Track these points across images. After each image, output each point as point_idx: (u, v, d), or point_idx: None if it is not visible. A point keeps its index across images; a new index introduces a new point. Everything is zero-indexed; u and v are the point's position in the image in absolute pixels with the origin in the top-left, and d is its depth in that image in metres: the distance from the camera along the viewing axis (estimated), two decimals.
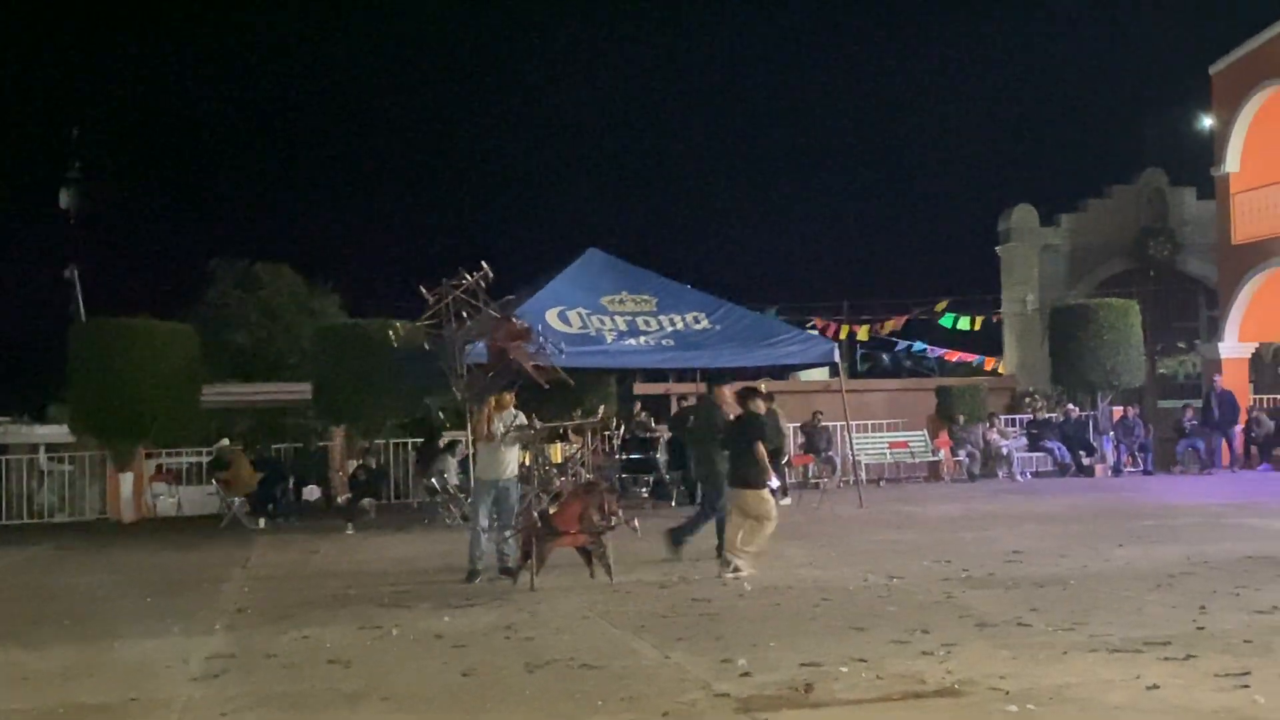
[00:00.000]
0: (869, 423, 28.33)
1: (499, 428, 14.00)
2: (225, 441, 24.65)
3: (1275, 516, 17.73)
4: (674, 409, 26.44)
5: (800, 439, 27.13)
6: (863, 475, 25.74)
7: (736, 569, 13.31)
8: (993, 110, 77.54)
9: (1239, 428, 28.85)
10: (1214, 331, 31.21)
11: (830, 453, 27.06)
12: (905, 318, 42.08)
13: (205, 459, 26.16)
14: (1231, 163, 30.18)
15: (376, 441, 25.61)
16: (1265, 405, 29.65)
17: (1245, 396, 30.07)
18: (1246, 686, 7.74)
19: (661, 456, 23.08)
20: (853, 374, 39.62)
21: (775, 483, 14.38)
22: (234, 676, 9.16)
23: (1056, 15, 77.65)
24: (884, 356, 48.27)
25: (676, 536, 14.85)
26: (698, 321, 21.98)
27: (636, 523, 14.65)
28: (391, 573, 14.75)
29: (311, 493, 25.87)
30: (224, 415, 31.10)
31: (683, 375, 27.26)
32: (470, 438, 15.20)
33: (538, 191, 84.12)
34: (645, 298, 22.05)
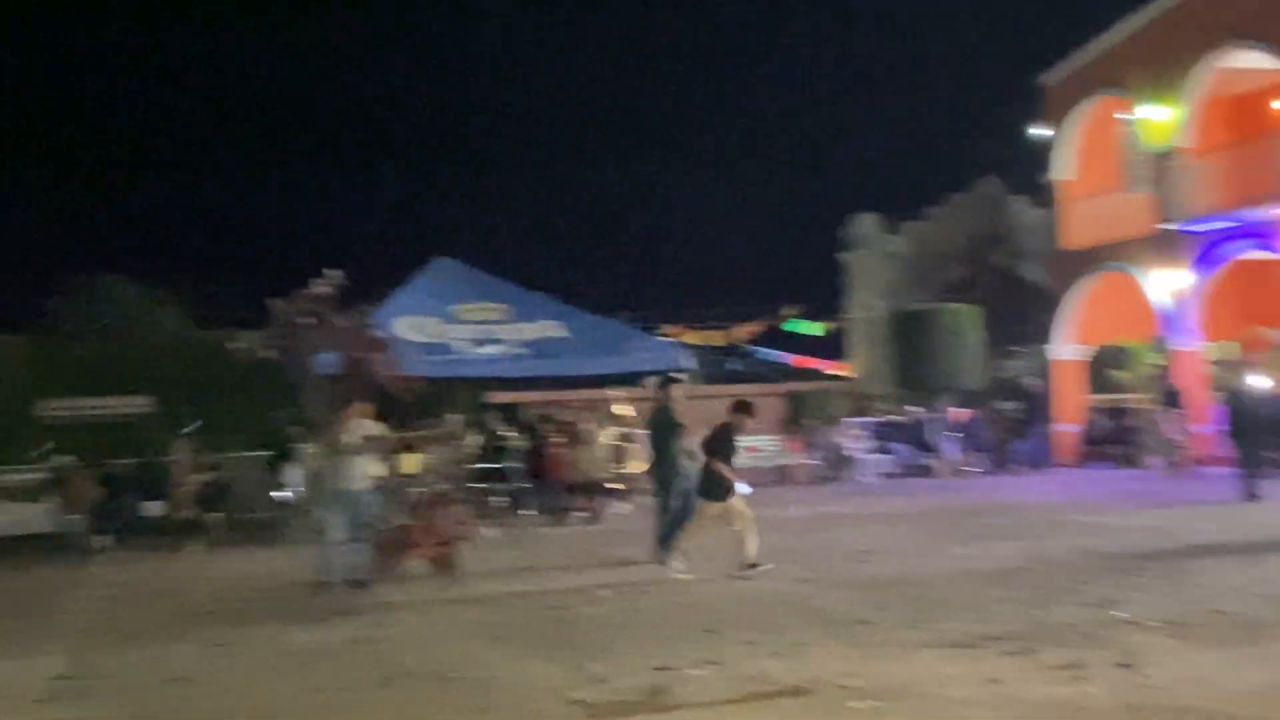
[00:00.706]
0: None
1: (351, 438, 13.83)
2: (63, 458, 23.84)
3: (1108, 513, 18.37)
4: (530, 415, 26.35)
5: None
6: None
7: (678, 568, 13.44)
8: (837, 121, 79.07)
9: (1067, 426, 29.85)
10: (1049, 335, 32.20)
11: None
12: (756, 324, 42.65)
13: (42, 476, 25.29)
14: (1063, 171, 31.21)
15: (224, 455, 25.02)
16: (1099, 405, 30.68)
17: (1078, 398, 31.08)
18: (1082, 679, 8.01)
19: (516, 465, 22.99)
20: (705, 380, 39.99)
21: (746, 489, 14.35)
22: (77, 699, 8.88)
23: (895, 28, 79.58)
24: (735, 362, 48.79)
25: (663, 543, 14.79)
26: (552, 330, 21.99)
27: (490, 532, 14.61)
28: (239, 588, 14.45)
29: (155, 509, 25.14)
30: (64, 431, 30.11)
31: (537, 383, 27.22)
32: (318, 449, 14.98)
33: (388, 198, 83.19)
34: (498, 306, 21.98)
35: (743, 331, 42.59)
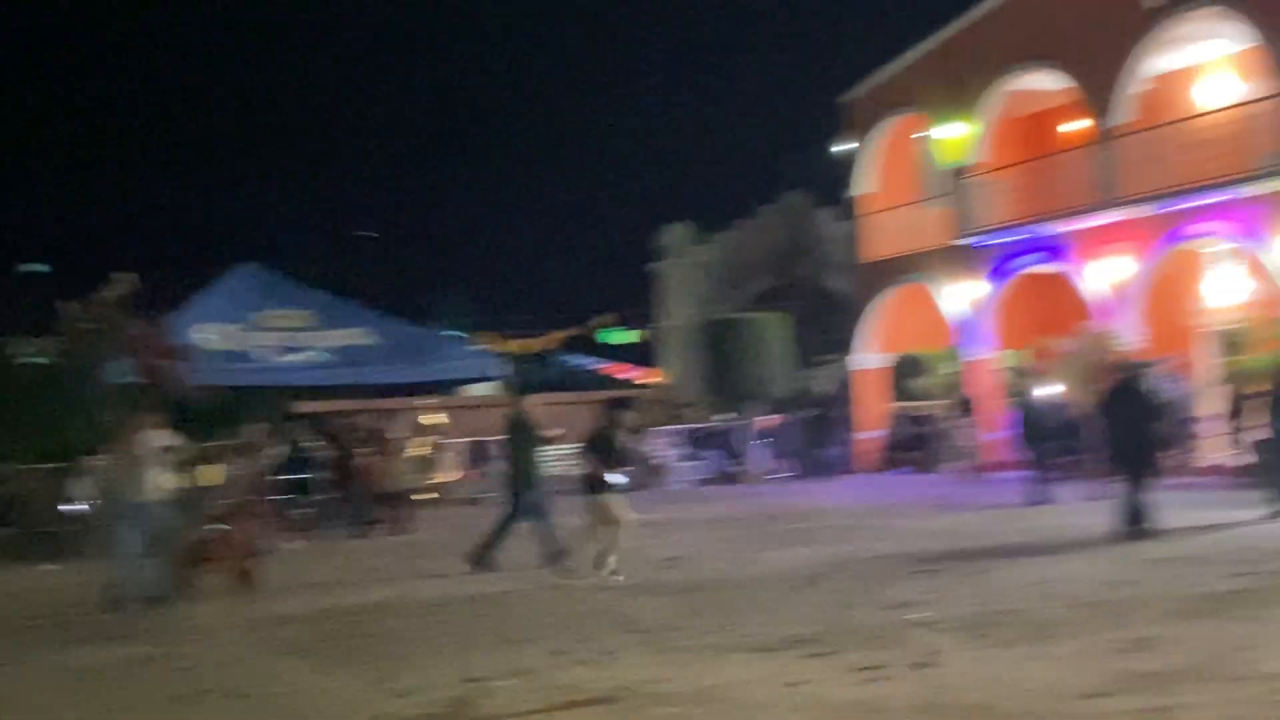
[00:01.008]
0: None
1: (144, 448, 13.30)
2: None
3: (910, 517, 18.88)
4: (337, 424, 25.81)
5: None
6: None
7: (614, 571, 13.29)
8: (650, 131, 79.77)
9: (869, 433, 30.65)
10: (852, 344, 32.99)
11: (495, 467, 27.03)
12: (567, 332, 42.69)
13: None
14: (864, 185, 32.05)
15: (10, 466, 23.85)
16: (899, 412, 31.54)
17: (880, 405, 31.90)
18: (881, 679, 8.17)
19: (322, 476, 22.49)
20: (515, 389, 39.84)
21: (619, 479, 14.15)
22: None
23: (709, 43, 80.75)
24: (546, 371, 48.71)
25: (480, 557, 14.72)
26: (360, 337, 21.60)
27: (294, 545, 14.25)
28: (26, 605, 13.78)
29: None
30: None
31: (349, 391, 26.66)
32: (110, 460, 14.36)
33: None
34: (304, 313, 21.50)
35: (554, 339, 42.59)
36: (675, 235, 40.27)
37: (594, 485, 13.74)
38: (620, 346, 43.47)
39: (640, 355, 42.88)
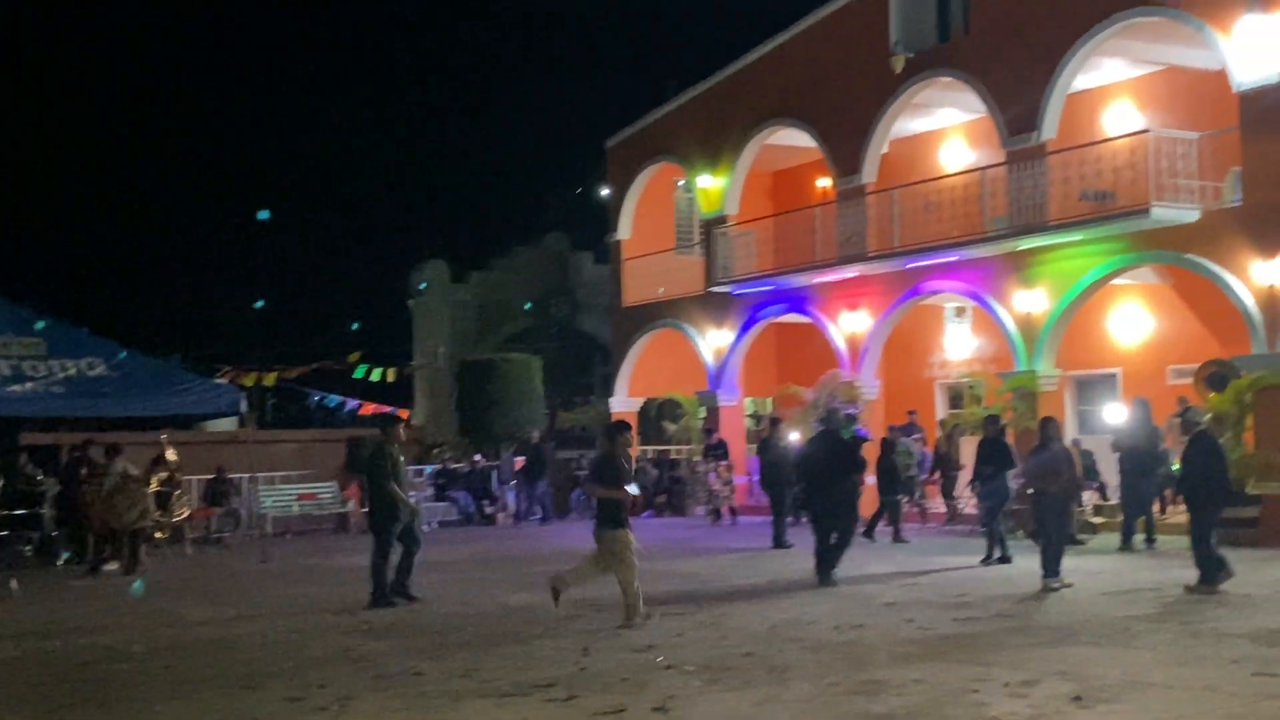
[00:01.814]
0: (277, 474, 27.78)
1: None
2: None
3: (654, 560, 19.05)
4: (65, 458, 24.61)
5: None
6: (269, 528, 25.22)
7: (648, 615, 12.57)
8: (406, 166, 79.00)
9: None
10: (607, 387, 33.36)
11: (235, 505, 26.25)
12: (317, 367, 41.71)
13: None
14: (623, 231, 32.55)
15: None
16: (650, 456, 31.99)
17: (633, 448, 32.28)
18: None
19: (48, 511, 21.39)
20: (262, 424, 38.71)
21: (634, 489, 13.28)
22: None
23: (471, 81, 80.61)
24: (295, 406, 47.48)
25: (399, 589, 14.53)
26: (93, 368, 20.67)
27: (14, 583, 13.49)
28: None
29: None
30: None
31: (80, 424, 25.44)
32: None
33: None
34: (31, 341, 20.44)
35: (303, 374, 41.56)
36: (431, 272, 39.98)
37: (614, 517, 12.76)
38: (372, 383, 42.71)
39: (393, 393, 42.23)
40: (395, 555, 14.76)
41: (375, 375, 41.40)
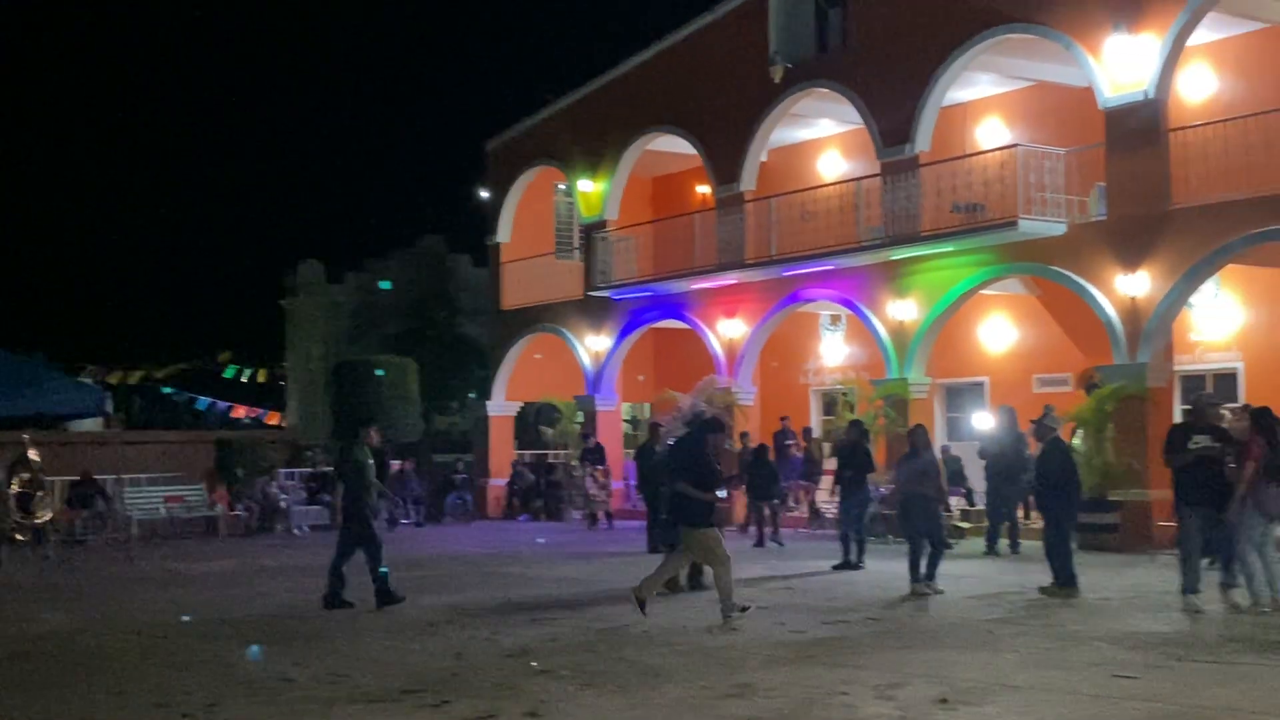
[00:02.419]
0: (144, 476, 27.16)
1: None
2: None
3: (530, 565, 19.08)
4: None
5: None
6: (135, 531, 24.66)
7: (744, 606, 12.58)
8: (281, 167, 77.82)
9: (496, 480, 30.91)
10: (485, 390, 33.19)
11: (100, 508, 25.59)
12: (186, 368, 40.93)
13: None
14: (503, 234, 32.42)
15: None
16: (527, 460, 31.92)
17: (510, 451, 32.25)
18: None
19: None
20: (129, 425, 37.84)
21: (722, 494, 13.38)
22: None
23: (349, 80, 79.69)
24: (163, 407, 46.57)
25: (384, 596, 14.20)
26: None
27: None
28: None
29: None
30: None
31: None
32: None
33: None
34: None
35: (172, 374, 40.75)
36: (306, 273, 39.43)
37: (702, 515, 12.83)
38: (245, 384, 42.04)
39: (265, 394, 41.61)
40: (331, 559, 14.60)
41: (246, 375, 40.85)
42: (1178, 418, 20.36)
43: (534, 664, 10.35)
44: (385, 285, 30.16)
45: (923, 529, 14.79)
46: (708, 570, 14.11)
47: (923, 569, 14.65)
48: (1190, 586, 12.75)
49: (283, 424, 38.85)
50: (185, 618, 13.72)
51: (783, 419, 26.28)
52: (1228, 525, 12.62)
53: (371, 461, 14.80)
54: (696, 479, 12.80)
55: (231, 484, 27.84)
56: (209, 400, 42.58)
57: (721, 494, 13.35)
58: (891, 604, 13.85)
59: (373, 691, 9.40)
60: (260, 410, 39.65)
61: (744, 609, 12.58)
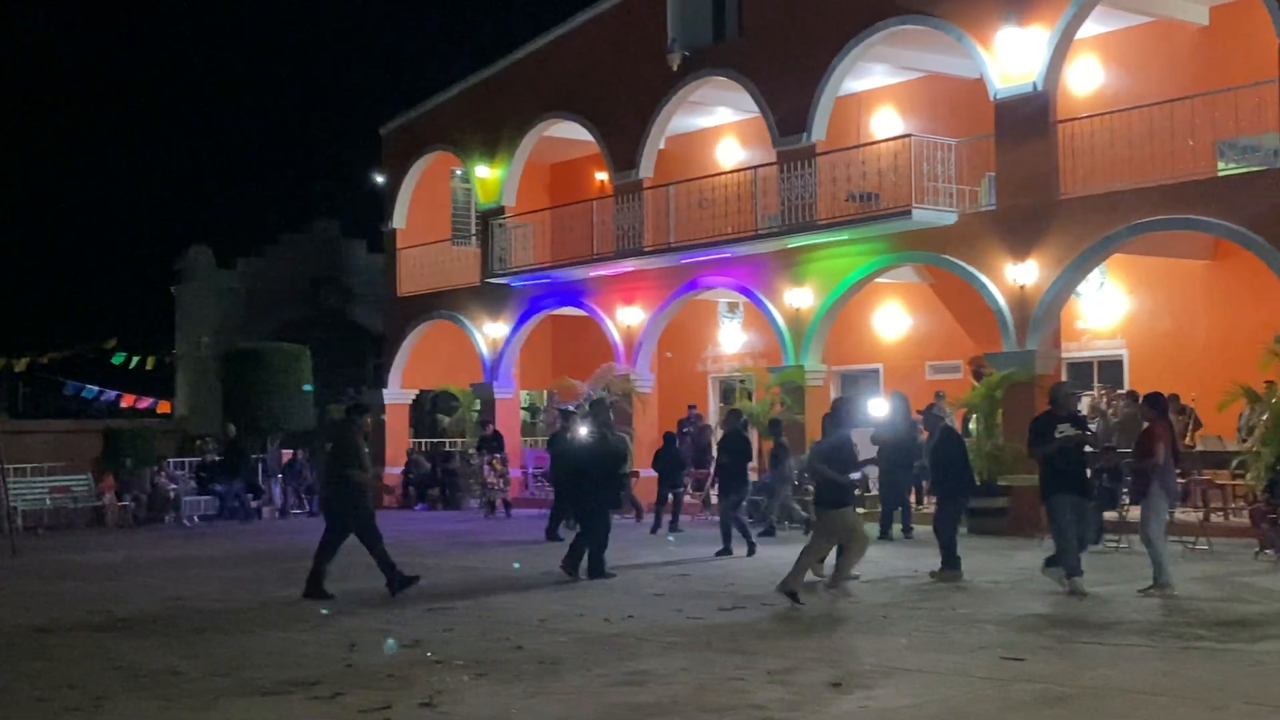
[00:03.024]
0: (29, 466, 26.50)
1: None
2: None
3: (425, 555, 18.92)
4: None
5: None
6: (19, 522, 24.07)
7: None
8: (170, 149, 76.17)
9: (392, 468, 30.67)
10: (380, 378, 32.88)
11: None
12: (72, 354, 39.92)
13: None
14: (398, 219, 32.10)
15: None
16: (423, 448, 31.69)
17: (406, 440, 32.00)
18: None
19: None
20: (13, 413, 36.87)
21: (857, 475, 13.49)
22: None
23: (238, 63, 78.20)
24: (47, 395, 45.39)
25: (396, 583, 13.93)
26: None
27: None
28: None
29: None
30: None
31: None
32: None
33: None
34: None
35: (55, 360, 39.71)
36: (195, 258, 38.68)
37: (837, 498, 12.81)
38: (134, 372, 41.11)
39: (153, 382, 40.74)
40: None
41: (134, 363, 39.96)
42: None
43: (429, 654, 10.28)
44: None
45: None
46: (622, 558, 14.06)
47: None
48: (1073, 569, 13.01)
49: (172, 412, 38.06)
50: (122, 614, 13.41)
51: (690, 407, 26.43)
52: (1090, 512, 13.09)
53: (365, 448, 14.56)
54: (837, 464, 12.87)
55: (119, 474, 27.25)
56: (96, 388, 41.59)
57: (856, 476, 13.76)
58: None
59: (264, 684, 9.28)
60: (151, 399, 38.80)
61: (848, 594, 12.67)
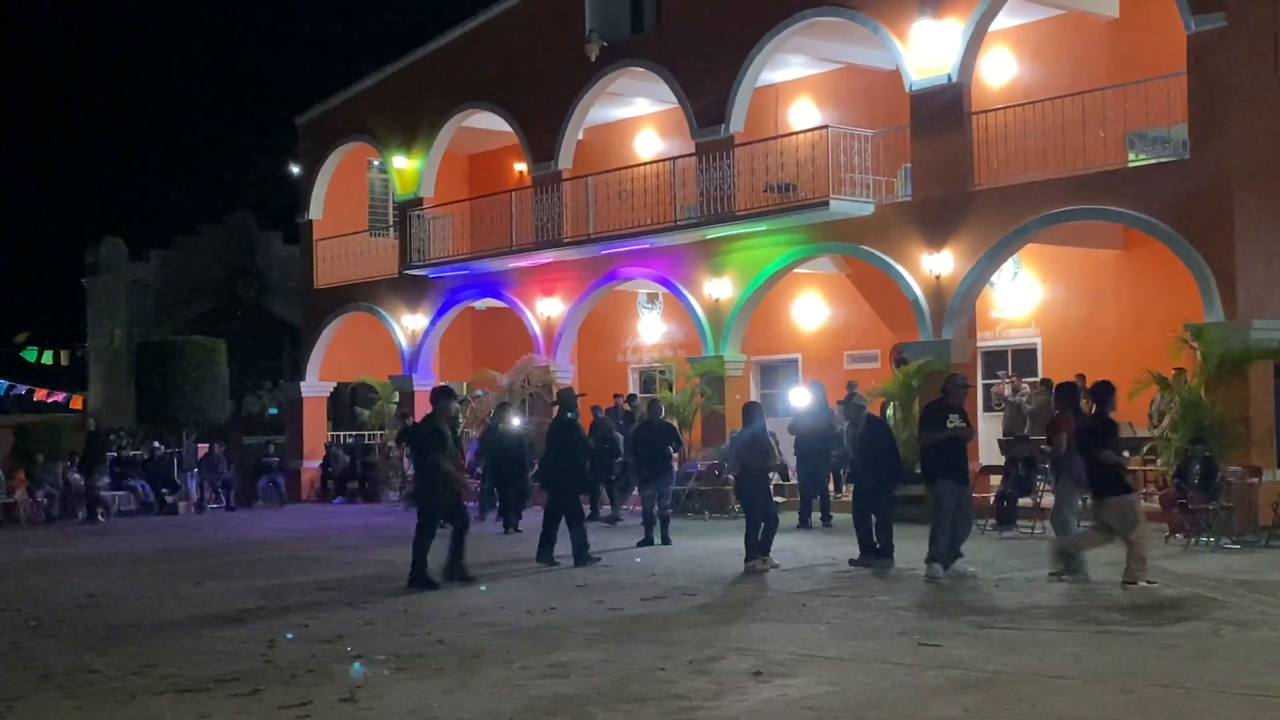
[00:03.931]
0: None
1: None
2: None
3: (344, 549, 18.80)
4: None
5: None
6: None
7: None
8: (81, 139, 74.71)
9: (310, 462, 30.40)
10: (297, 371, 32.54)
11: None
12: None
13: None
14: (314, 211, 31.74)
15: None
16: (342, 441, 31.41)
17: (324, 433, 31.70)
18: (306, 717, 8.07)
19: None
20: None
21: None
22: None
23: (149, 51, 76.87)
24: None
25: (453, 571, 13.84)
26: None
27: None
28: None
29: None
30: None
31: None
32: None
33: None
34: None
35: None
36: (107, 250, 38.01)
37: (1120, 482, 12.58)
38: (45, 366, 40.39)
39: (66, 376, 40.04)
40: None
41: (46, 358, 39.23)
42: (980, 393, 21.17)
43: (349, 649, 10.21)
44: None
45: (757, 503, 14.71)
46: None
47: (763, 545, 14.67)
48: (936, 555, 13.26)
49: (85, 407, 37.44)
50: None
51: (616, 396, 26.45)
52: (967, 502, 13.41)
53: (450, 434, 14.32)
54: (1109, 445, 12.84)
55: (30, 470, 26.75)
56: (6, 383, 40.80)
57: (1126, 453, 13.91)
58: (709, 580, 14.02)
59: (181, 681, 9.16)
60: (64, 394, 38.14)
61: (1151, 582, 12.45)
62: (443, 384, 18.21)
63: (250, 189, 41.30)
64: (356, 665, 9.37)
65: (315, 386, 31.65)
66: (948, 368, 20.23)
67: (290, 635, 10.76)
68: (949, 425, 13.39)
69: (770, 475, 15.86)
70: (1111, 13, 21.65)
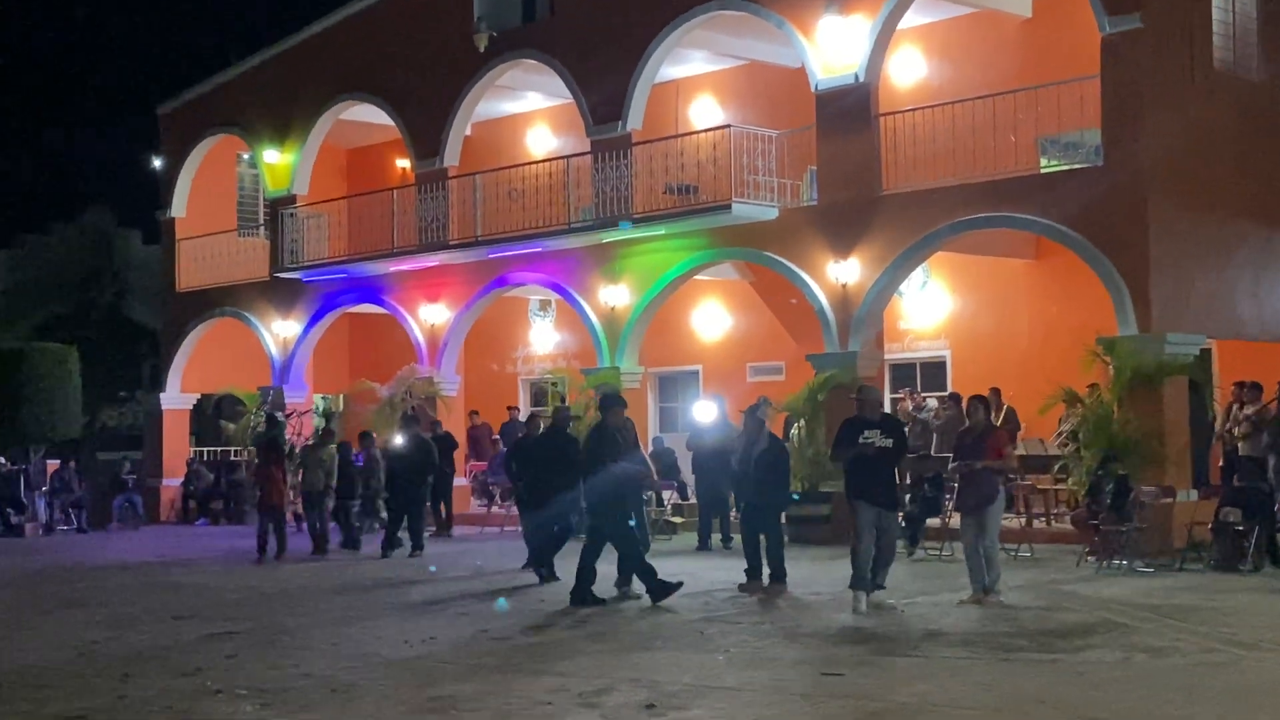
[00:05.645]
0: None
1: None
2: None
3: (205, 573, 18.52)
4: None
5: None
6: None
7: None
8: None
9: (170, 480, 29.89)
10: (157, 381, 31.97)
11: None
12: None
13: None
14: (178, 208, 31.21)
15: None
16: (205, 458, 30.92)
17: (186, 448, 31.17)
18: None
19: None
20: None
21: None
22: None
23: None
24: None
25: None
26: None
27: None
28: None
29: None
30: None
31: None
32: None
33: None
34: None
35: None
36: None
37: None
38: None
39: None
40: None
41: None
42: (887, 406, 21.42)
43: (209, 684, 10.05)
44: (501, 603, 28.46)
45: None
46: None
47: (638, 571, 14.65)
48: (856, 583, 13.22)
49: None
50: None
51: (510, 409, 26.42)
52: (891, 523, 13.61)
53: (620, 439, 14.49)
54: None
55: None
56: None
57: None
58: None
59: (23, 716, 8.95)
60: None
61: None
62: (613, 390, 18.10)
63: (108, 184, 40.54)
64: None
65: (177, 398, 31.09)
66: (854, 381, 20.45)
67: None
68: (861, 441, 13.40)
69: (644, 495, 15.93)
70: (1024, 12, 22.09)
